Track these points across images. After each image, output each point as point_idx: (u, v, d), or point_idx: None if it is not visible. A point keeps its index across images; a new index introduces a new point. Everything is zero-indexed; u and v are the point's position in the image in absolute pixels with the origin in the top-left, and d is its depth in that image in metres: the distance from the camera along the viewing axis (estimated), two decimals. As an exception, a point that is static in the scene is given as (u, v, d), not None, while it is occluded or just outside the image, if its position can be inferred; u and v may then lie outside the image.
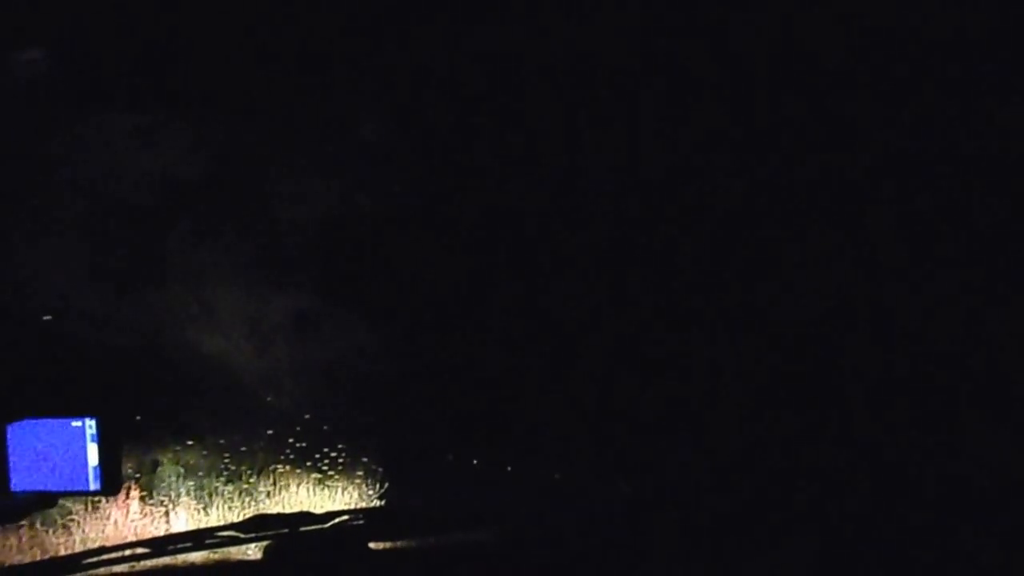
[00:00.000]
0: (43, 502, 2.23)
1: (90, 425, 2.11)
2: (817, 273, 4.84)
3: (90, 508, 4.80)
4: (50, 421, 2.12)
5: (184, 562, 2.32)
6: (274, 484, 5.26)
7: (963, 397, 4.52)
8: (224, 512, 5.09)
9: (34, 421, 2.14)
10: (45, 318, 4.80)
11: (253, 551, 2.30)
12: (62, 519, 4.69)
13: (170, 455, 5.21)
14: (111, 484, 2.14)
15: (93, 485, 2.12)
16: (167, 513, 5.09)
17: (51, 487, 2.14)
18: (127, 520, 4.95)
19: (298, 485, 5.27)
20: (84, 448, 2.12)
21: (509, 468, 5.01)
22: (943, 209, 4.74)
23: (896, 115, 4.78)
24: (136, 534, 4.84)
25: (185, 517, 5.08)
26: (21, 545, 4.57)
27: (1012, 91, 4.52)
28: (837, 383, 4.75)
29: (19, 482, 2.13)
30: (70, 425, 2.12)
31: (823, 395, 4.75)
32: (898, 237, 4.86)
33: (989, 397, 4.46)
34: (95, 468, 2.13)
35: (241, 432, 5.23)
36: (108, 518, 4.89)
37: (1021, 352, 4.45)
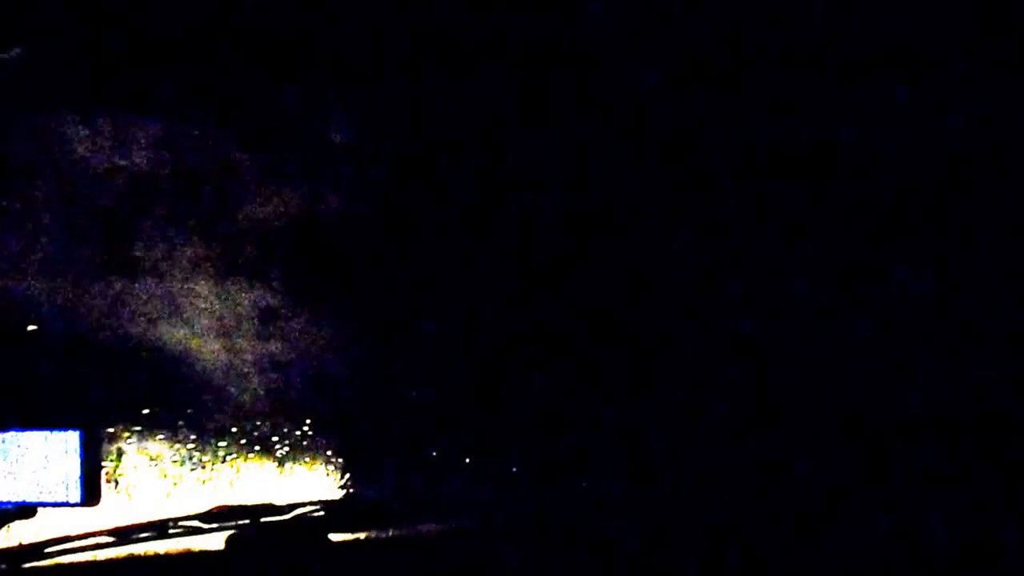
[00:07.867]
0: (23, 513, 2.22)
1: (73, 438, 2.09)
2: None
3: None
4: (32, 432, 2.10)
5: (146, 551, 2.37)
6: (237, 474, 5.32)
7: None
8: (187, 501, 5.14)
9: (17, 432, 2.13)
10: (29, 328, 4.78)
11: (215, 541, 2.35)
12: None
13: (135, 445, 5.25)
14: (92, 496, 2.14)
15: (74, 497, 2.11)
16: (131, 501, 5.13)
17: (32, 498, 2.13)
18: (90, 507, 4.97)
19: (261, 476, 5.33)
20: (66, 460, 2.10)
21: (468, 460, 5.10)
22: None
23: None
24: (99, 522, 4.86)
25: (149, 506, 5.12)
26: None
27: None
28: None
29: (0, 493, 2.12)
30: (53, 437, 2.10)
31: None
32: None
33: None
34: (77, 480, 2.12)
35: (206, 424, 5.29)
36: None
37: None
